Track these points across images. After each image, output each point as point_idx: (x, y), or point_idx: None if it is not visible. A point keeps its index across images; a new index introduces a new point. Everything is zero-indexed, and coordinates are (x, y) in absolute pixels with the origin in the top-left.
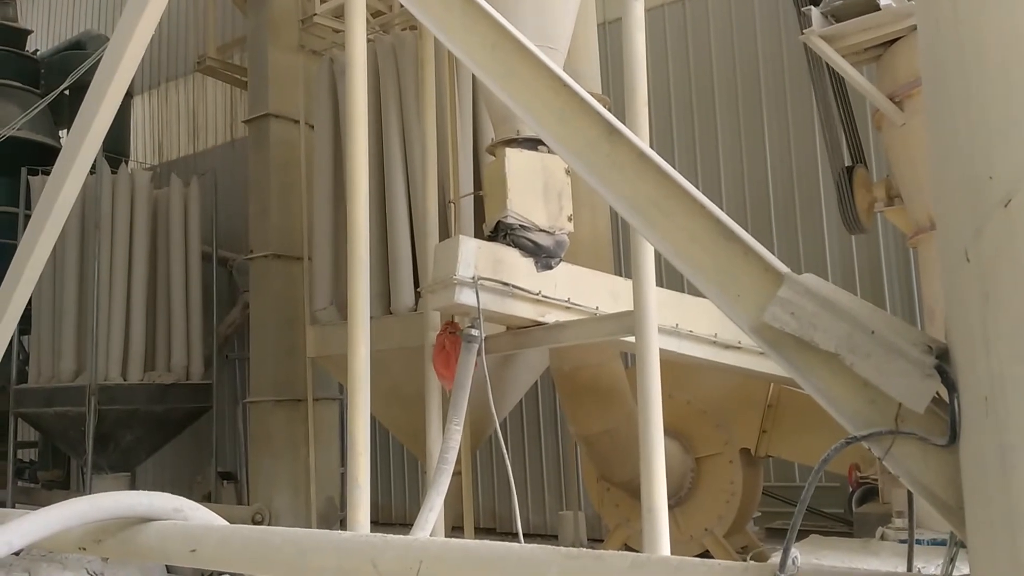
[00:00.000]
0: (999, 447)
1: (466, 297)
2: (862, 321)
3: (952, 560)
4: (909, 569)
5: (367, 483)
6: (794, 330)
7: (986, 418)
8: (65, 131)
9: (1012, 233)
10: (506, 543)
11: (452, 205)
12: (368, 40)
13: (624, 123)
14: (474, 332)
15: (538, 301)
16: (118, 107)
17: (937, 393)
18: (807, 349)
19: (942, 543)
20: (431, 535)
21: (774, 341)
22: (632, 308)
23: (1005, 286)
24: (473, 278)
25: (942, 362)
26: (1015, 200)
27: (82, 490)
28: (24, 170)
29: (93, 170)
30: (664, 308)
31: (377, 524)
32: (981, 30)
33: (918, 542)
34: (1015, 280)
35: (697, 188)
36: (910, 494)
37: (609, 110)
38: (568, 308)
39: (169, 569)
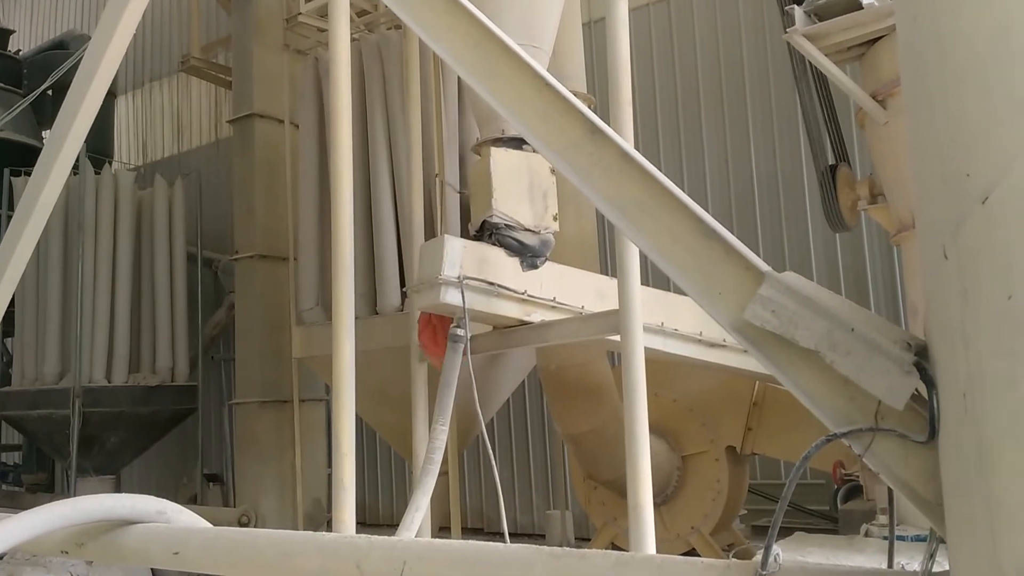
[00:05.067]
0: (977, 443)
1: (452, 297)
2: (842, 319)
3: (932, 556)
4: (890, 566)
5: (352, 484)
6: (775, 328)
7: (965, 414)
8: (48, 131)
9: (990, 230)
10: (490, 543)
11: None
12: (353, 39)
13: (609, 123)
14: (460, 332)
15: (524, 300)
16: (99, 107)
17: (917, 390)
18: (788, 347)
19: (925, 539)
20: (417, 536)
21: (755, 339)
22: (618, 307)
23: (983, 283)
24: (459, 278)
25: (921, 359)
26: (993, 197)
27: (67, 493)
28: (7, 171)
29: (76, 171)
30: (649, 307)
31: (364, 525)
32: (959, 26)
33: (902, 538)
34: (993, 277)
35: (682, 187)
36: (891, 491)
37: (593, 109)
38: (554, 307)
39: (154, 572)
